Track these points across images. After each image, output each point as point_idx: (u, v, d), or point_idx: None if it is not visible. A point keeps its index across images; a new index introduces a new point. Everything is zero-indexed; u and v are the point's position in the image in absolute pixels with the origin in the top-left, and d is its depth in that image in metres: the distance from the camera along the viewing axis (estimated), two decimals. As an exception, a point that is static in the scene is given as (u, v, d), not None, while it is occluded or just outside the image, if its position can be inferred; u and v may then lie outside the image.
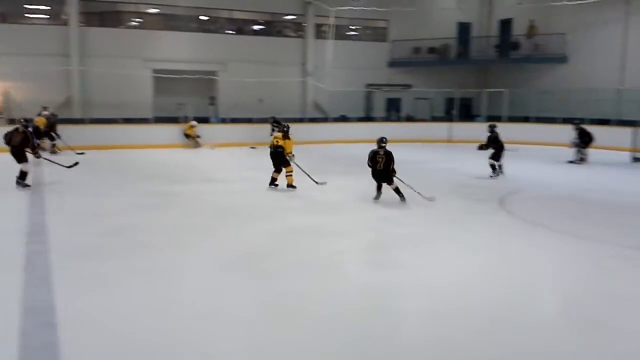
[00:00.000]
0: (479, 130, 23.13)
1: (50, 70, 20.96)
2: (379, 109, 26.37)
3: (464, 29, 27.95)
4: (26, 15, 22.45)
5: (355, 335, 4.62)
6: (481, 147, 13.57)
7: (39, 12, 22.68)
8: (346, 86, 24.14)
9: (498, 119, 23.29)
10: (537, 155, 17.50)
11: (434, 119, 25.28)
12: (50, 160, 12.56)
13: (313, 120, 24.42)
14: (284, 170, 11.33)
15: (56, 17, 22.58)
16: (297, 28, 26.46)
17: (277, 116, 19.42)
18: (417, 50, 27.15)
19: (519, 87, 24.43)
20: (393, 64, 27.22)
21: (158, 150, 18.78)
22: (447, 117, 25.28)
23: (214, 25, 25.47)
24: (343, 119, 24.62)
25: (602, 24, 22.56)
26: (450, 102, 25.88)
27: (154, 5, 23.72)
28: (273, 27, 26.48)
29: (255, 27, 26.23)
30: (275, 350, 4.35)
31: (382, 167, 9.94)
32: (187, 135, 20.17)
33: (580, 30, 23.35)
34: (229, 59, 24.23)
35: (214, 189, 11.88)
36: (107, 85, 21.69)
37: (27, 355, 4.19)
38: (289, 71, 25.16)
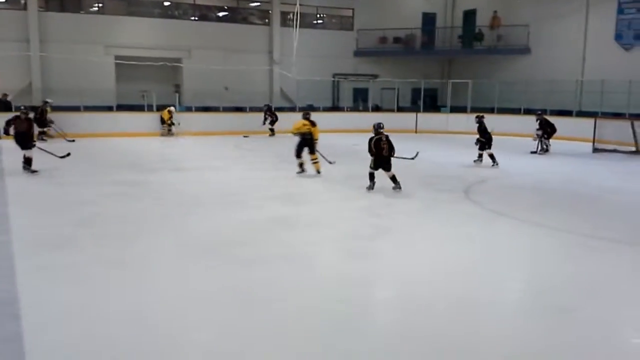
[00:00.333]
0: (445, 120, 23.61)
1: (9, 55, 20.31)
2: (346, 99, 26.41)
3: (428, 19, 28.15)
4: (-17, -1, 21.74)
5: (324, 324, 4.64)
6: (478, 141, 13.96)
7: (-4, -5, 21.97)
8: (313, 75, 24.07)
9: (463, 109, 23.62)
10: (501, 146, 17.67)
11: (401, 109, 25.45)
12: (44, 150, 12.46)
13: (280, 109, 24.27)
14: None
15: (15, 1, 21.90)
16: (263, 15, 26.24)
17: (270, 104, 19.53)
18: (382, 40, 27.28)
19: (483, 77, 24.74)
20: (359, 53, 27.27)
21: (124, 139, 18.44)
22: (414, 108, 25.47)
23: (178, 11, 25.06)
24: (310, 108, 24.53)
25: (564, 15, 22.97)
26: (416, 92, 26.07)
27: (116, -10, 23.23)
28: (238, 14, 26.18)
29: (220, 14, 25.91)
30: (246, 335, 4.35)
31: (387, 153, 9.95)
32: (162, 121, 19.88)
33: (542, 21, 23.74)
34: (193, 46, 23.91)
35: (185, 177, 11.79)
36: (68, 71, 21.15)
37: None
38: (255, 59, 24.96)
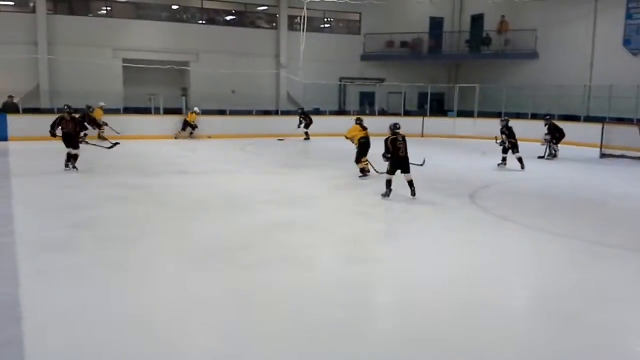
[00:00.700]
0: (452, 125, 23.56)
1: (17, 58, 20.41)
2: (353, 103, 26.37)
3: (436, 23, 28.11)
4: (-7, 2, 21.89)
5: (325, 326, 4.62)
6: (502, 143, 13.99)
7: (6, -1, 22.13)
8: (320, 79, 24.06)
9: (470, 114, 23.54)
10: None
11: (407, 113, 25.39)
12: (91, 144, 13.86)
13: (287, 113, 24.29)
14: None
15: (24, 4, 22.03)
16: (270, 19, 26.28)
17: (305, 109, 19.71)
18: (390, 44, 27.25)
19: (490, 82, 24.67)
20: (366, 57, 27.24)
21: (133, 142, 18.43)
22: (420, 112, 25.41)
23: (186, 15, 25.15)
24: (317, 112, 24.55)
25: (572, 20, 22.87)
26: (423, 96, 26.01)
27: (124, -7, 23.35)
28: (246, 18, 26.25)
29: (228, 18, 25.98)
30: (246, 339, 4.33)
31: (404, 154, 9.72)
32: (185, 122, 19.90)
33: (550, 26, 23.64)
34: (201, 50, 23.96)
35: (188, 181, 11.79)
36: (76, 74, 21.23)
37: (-8, 350, 4.08)
38: (262, 63, 24.99)
